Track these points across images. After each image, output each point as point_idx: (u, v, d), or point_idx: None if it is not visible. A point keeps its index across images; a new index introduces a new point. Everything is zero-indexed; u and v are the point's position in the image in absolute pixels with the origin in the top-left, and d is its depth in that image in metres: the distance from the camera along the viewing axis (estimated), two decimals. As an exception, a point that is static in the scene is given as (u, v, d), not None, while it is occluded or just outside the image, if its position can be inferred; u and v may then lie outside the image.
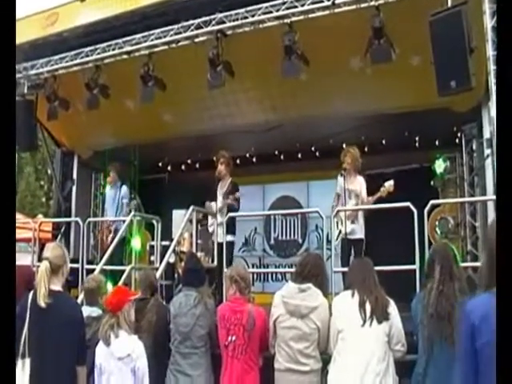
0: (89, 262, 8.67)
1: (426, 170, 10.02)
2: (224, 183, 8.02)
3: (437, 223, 9.39)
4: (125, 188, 9.49)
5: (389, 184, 7.00)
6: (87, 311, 4.76)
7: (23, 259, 8.87)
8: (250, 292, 4.73)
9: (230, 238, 7.56)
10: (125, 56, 8.15)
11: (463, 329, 2.29)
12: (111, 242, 8.57)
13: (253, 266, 12.36)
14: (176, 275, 8.16)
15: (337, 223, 7.09)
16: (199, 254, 7.59)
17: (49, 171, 21.64)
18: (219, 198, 7.89)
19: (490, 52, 5.42)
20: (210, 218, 8.24)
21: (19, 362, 3.67)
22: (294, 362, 4.22)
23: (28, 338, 3.70)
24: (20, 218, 12.01)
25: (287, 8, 6.84)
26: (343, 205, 7.17)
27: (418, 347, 4.00)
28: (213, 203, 7.95)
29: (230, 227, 7.58)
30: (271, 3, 6.93)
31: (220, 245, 7.34)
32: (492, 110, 5.53)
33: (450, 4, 5.78)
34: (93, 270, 6.89)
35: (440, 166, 9.55)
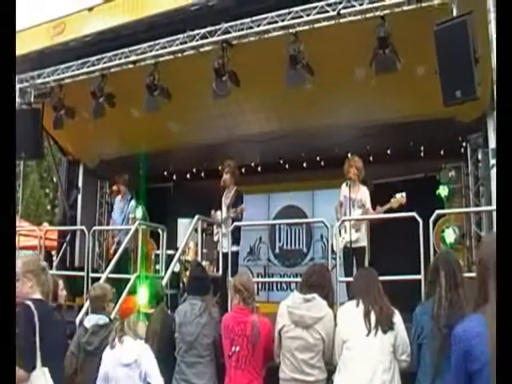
0: (94, 271, 8.70)
1: (431, 180, 10.00)
2: (229, 193, 8.02)
3: (444, 234, 9.33)
4: (133, 202, 9.48)
5: (400, 195, 6.95)
6: (94, 319, 4.77)
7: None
8: (255, 301, 4.71)
9: (234, 248, 7.58)
10: (131, 65, 8.20)
11: (455, 354, 2.25)
12: (114, 253, 8.59)
13: (258, 276, 12.33)
14: (181, 284, 8.16)
15: (339, 231, 7.06)
16: (204, 263, 7.59)
17: (54, 179, 21.71)
18: (224, 207, 7.89)
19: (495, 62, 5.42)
20: (215, 227, 8.23)
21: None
22: (299, 372, 4.20)
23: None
24: (25, 225, 12.06)
25: (292, 18, 6.88)
26: (346, 213, 7.16)
27: (419, 358, 3.94)
28: (218, 212, 7.95)
29: (235, 237, 7.59)
30: (277, 13, 6.96)
31: (225, 255, 7.35)
32: (497, 119, 5.52)
33: (455, 14, 5.79)
34: (98, 279, 6.90)
35: (444, 189, 9.57)
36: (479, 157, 8.86)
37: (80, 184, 11.61)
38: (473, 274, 6.01)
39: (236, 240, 7.70)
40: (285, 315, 4.34)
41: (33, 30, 8.91)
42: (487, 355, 2.08)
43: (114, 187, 9.94)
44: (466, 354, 2.20)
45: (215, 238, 8.11)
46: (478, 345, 2.15)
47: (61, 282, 5.58)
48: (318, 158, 11.15)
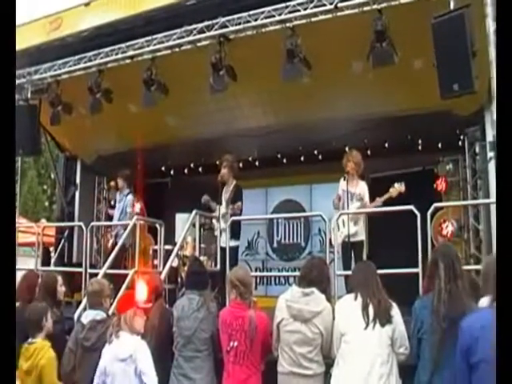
0: (92, 267, 8.71)
1: (429, 173, 10.01)
2: (228, 187, 7.98)
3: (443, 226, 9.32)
4: (130, 197, 9.44)
5: (399, 184, 6.96)
6: (91, 315, 4.78)
7: (26, 263, 8.88)
8: (252, 295, 4.70)
9: (233, 243, 7.56)
10: (128, 60, 8.18)
11: (459, 347, 2.26)
12: (111, 247, 8.57)
13: (256, 270, 12.31)
14: (179, 279, 8.16)
15: (338, 225, 7.05)
16: (202, 258, 7.59)
17: (52, 175, 21.69)
18: (223, 202, 7.86)
19: (493, 55, 5.41)
20: (215, 221, 8.20)
21: None
22: (297, 366, 4.21)
23: None
24: (23, 222, 12.05)
25: (290, 12, 6.86)
26: (344, 207, 7.15)
27: (419, 351, 3.94)
28: (208, 198, 7.93)
29: (235, 232, 7.58)
30: (274, 7, 6.94)
31: (223, 250, 7.33)
32: (495, 113, 5.52)
33: (452, 7, 5.78)
34: (96, 274, 6.90)
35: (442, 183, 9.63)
36: (477, 150, 8.87)
37: (78, 180, 11.60)
38: (470, 267, 6.07)
39: (235, 235, 7.67)
40: (283, 309, 4.34)
41: (29, 25, 8.87)
42: (487, 352, 2.07)
43: (112, 183, 9.92)
44: (470, 348, 2.20)
45: (215, 233, 8.09)
46: (480, 339, 2.15)
47: (60, 278, 5.59)
48: (315, 152, 11.12)
